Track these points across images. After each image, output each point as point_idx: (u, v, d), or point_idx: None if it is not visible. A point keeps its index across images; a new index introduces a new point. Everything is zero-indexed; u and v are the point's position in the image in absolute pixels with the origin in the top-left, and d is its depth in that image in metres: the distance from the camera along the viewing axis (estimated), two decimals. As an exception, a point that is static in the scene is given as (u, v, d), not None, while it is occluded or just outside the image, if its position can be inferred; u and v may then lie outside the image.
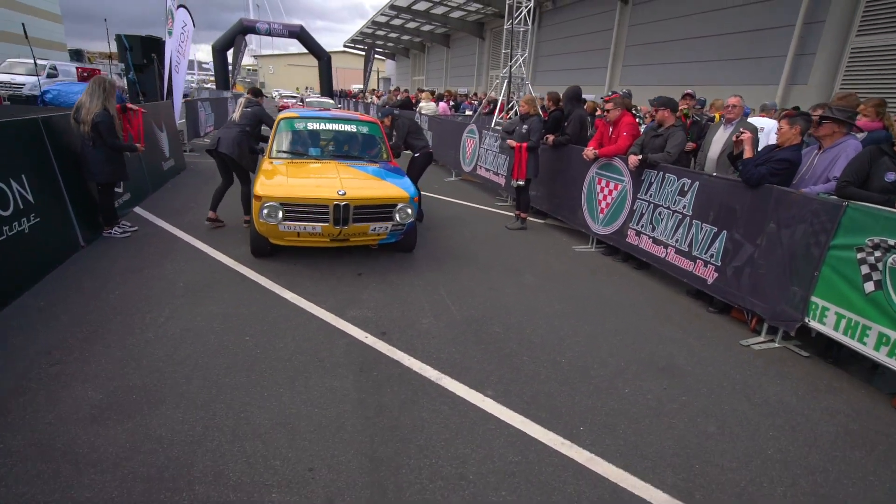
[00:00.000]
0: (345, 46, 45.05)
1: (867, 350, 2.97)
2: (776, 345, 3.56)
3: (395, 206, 4.35)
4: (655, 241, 4.65)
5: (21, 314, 3.29)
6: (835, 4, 9.34)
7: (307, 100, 19.11)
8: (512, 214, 6.62)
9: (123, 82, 10.22)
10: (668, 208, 4.49)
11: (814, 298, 3.26)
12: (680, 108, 5.38)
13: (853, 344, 3.05)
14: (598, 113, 8.12)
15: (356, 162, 5.10)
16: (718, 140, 4.69)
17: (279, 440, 2.29)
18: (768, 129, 5.13)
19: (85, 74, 12.94)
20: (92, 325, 3.20)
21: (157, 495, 1.95)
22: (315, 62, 26.40)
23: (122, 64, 10.60)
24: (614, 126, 5.28)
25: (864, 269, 2.96)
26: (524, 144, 5.90)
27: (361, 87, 31.94)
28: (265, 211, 4.04)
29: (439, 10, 24.70)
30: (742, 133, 3.94)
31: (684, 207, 4.30)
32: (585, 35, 17.42)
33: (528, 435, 2.45)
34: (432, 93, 15.89)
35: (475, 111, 12.50)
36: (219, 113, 14.41)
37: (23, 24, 8.39)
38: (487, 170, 8.41)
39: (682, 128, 4.86)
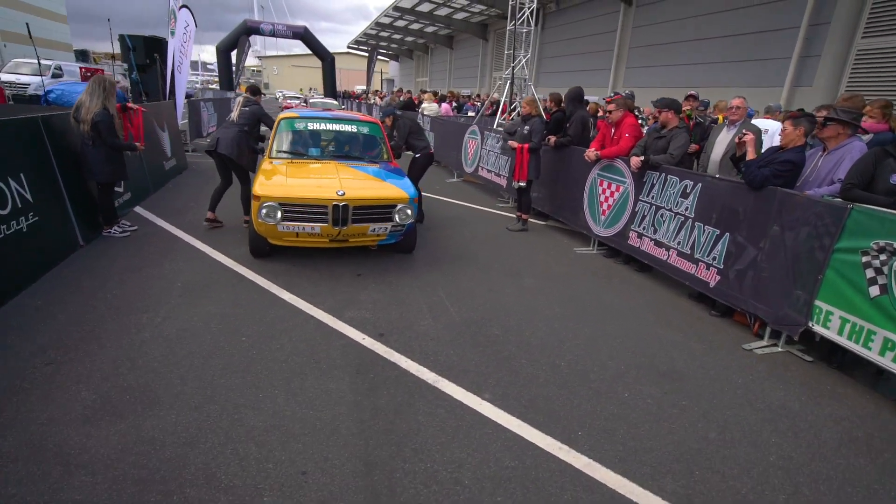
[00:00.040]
0: (348, 48, 45.18)
1: (872, 355, 2.91)
2: (779, 349, 3.51)
3: (395, 206, 4.32)
4: (657, 244, 4.60)
5: (18, 313, 3.28)
6: (840, 6, 9.29)
7: (311, 101, 19.16)
8: (513, 216, 6.58)
9: (127, 82, 10.27)
10: (670, 210, 4.45)
11: (818, 302, 3.21)
12: (683, 109, 5.34)
13: (857, 349, 3.00)
14: (601, 114, 8.08)
15: (356, 162, 5.08)
16: (721, 142, 4.65)
17: (272, 442, 2.26)
18: (772, 131, 5.08)
19: (88, 74, 13.01)
20: (88, 325, 3.18)
21: (148, 497, 1.93)
22: (319, 63, 26.45)
23: (126, 64, 10.65)
24: (616, 127, 5.24)
25: (870, 273, 2.91)
26: (526, 145, 5.87)
27: (365, 88, 32.00)
28: (264, 211, 4.03)
29: (443, 12, 24.74)
30: (744, 135, 3.90)
31: (686, 209, 4.26)
32: (589, 37, 17.40)
33: (526, 439, 2.41)
34: (435, 94, 15.88)
35: (478, 112, 12.48)
36: (221, 113, 14.44)
37: (26, 24, 8.44)
38: (489, 171, 8.38)
39: (686, 129, 4.82)
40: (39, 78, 12.05)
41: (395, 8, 25.54)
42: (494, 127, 9.31)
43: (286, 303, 3.74)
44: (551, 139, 6.16)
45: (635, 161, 4.73)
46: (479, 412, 2.59)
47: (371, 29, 33.50)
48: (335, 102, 18.16)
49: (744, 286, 3.72)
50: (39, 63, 10.26)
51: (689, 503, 2.09)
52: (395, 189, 4.45)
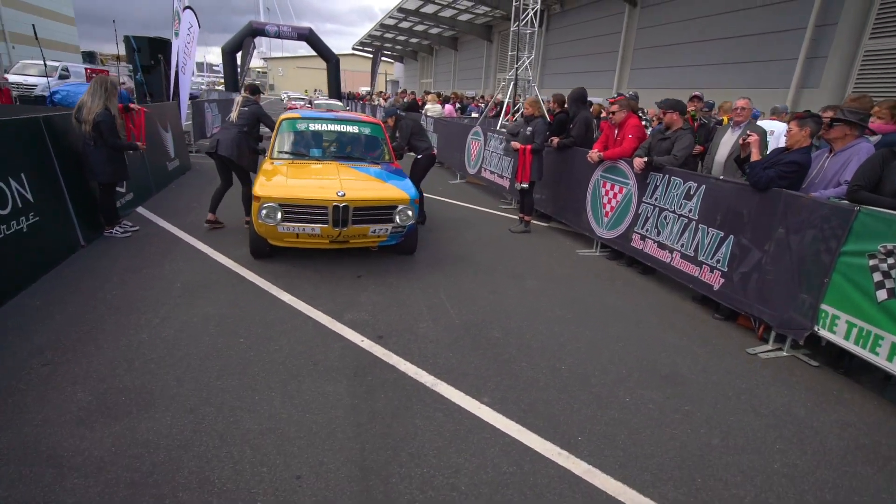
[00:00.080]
0: (353, 49, 45.27)
1: (879, 360, 2.86)
2: (784, 353, 3.45)
3: (396, 207, 4.29)
4: (660, 246, 4.55)
5: (18, 313, 3.27)
6: (848, 7, 9.18)
7: (315, 102, 19.19)
8: (516, 217, 6.54)
9: (132, 84, 10.31)
10: (673, 212, 4.40)
11: (824, 306, 3.15)
12: (687, 109, 5.28)
13: (865, 354, 2.94)
14: (604, 115, 8.03)
15: (357, 163, 5.06)
16: (726, 143, 4.59)
17: (267, 446, 2.24)
18: (778, 133, 5.02)
19: (93, 75, 13.08)
20: (87, 325, 3.17)
21: (140, 501, 1.91)
22: (324, 65, 26.51)
23: (130, 65, 10.70)
24: (619, 128, 5.19)
25: (877, 277, 2.85)
26: (528, 147, 5.83)
27: (369, 89, 32.06)
28: (264, 211, 4.01)
29: (447, 13, 24.74)
30: (748, 136, 3.85)
31: (690, 211, 4.21)
32: (593, 38, 17.32)
33: (524, 444, 2.37)
34: (438, 95, 15.88)
35: (482, 113, 12.45)
36: (226, 114, 14.46)
37: (33, 26, 8.49)
38: (492, 172, 8.34)
39: (690, 131, 4.77)
40: (46, 79, 12.15)
41: (400, 10, 25.56)
42: (498, 128, 9.28)
43: (286, 304, 3.72)
44: (554, 140, 6.12)
45: (638, 162, 4.69)
46: (478, 416, 2.56)
47: (376, 30, 33.55)
48: (340, 104, 18.19)
49: (748, 289, 3.66)
50: (45, 64, 10.33)
51: (690, 511, 2.05)
52: (395, 190, 4.42)
